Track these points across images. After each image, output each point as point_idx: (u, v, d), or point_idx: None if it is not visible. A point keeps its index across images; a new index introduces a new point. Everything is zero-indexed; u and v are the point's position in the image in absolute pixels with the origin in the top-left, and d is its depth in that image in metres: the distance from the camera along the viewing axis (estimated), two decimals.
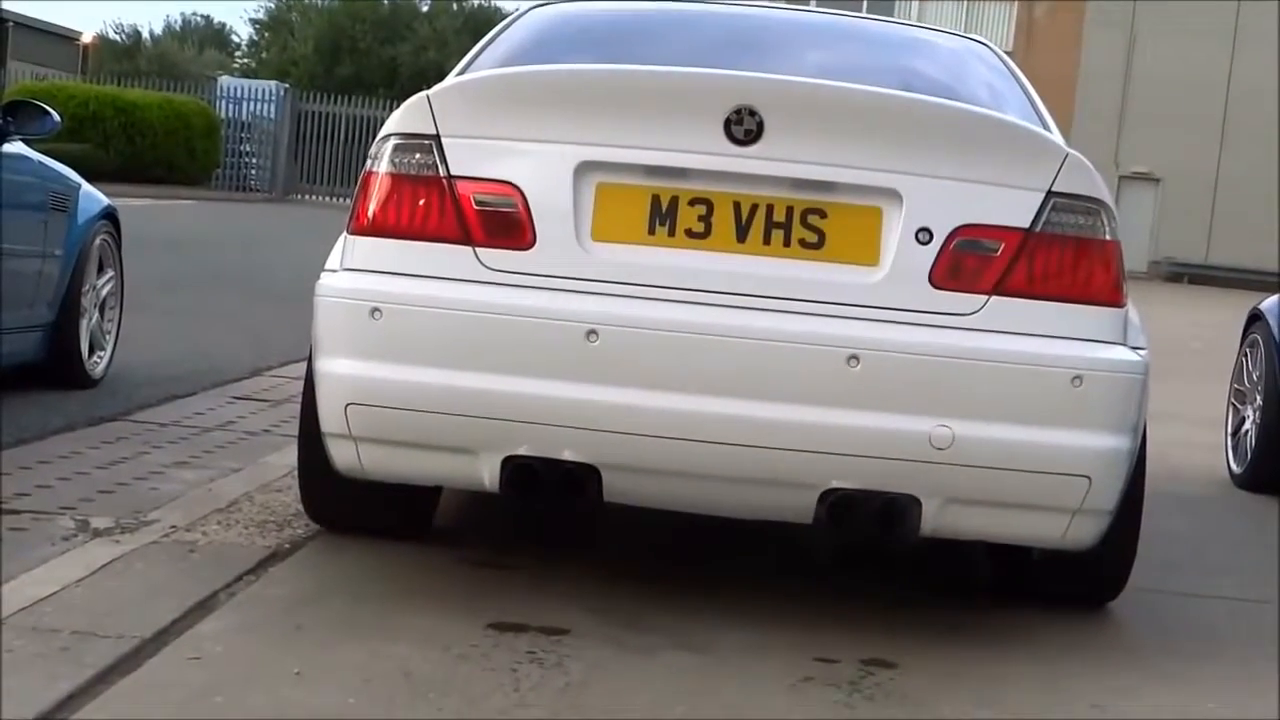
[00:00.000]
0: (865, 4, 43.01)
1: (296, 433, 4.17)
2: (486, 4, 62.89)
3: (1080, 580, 4.10)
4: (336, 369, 3.54)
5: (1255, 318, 7.06)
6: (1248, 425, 6.91)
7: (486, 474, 3.50)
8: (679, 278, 3.45)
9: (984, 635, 3.85)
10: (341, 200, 33.15)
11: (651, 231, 3.49)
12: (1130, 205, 40.32)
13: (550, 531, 4.66)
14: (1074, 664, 3.64)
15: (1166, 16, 41.07)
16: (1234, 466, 6.97)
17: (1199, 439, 7.82)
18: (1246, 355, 7.14)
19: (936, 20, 42.06)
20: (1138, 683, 3.56)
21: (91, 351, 6.56)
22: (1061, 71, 40.00)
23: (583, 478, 3.47)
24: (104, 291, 6.77)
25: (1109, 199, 3.59)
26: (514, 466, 3.47)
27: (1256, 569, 4.98)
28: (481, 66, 4.15)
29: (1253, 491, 6.66)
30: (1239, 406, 7.12)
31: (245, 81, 41.86)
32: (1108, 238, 3.55)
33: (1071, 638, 3.87)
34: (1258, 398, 6.83)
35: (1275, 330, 6.74)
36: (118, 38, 62.23)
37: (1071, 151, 3.57)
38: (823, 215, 3.49)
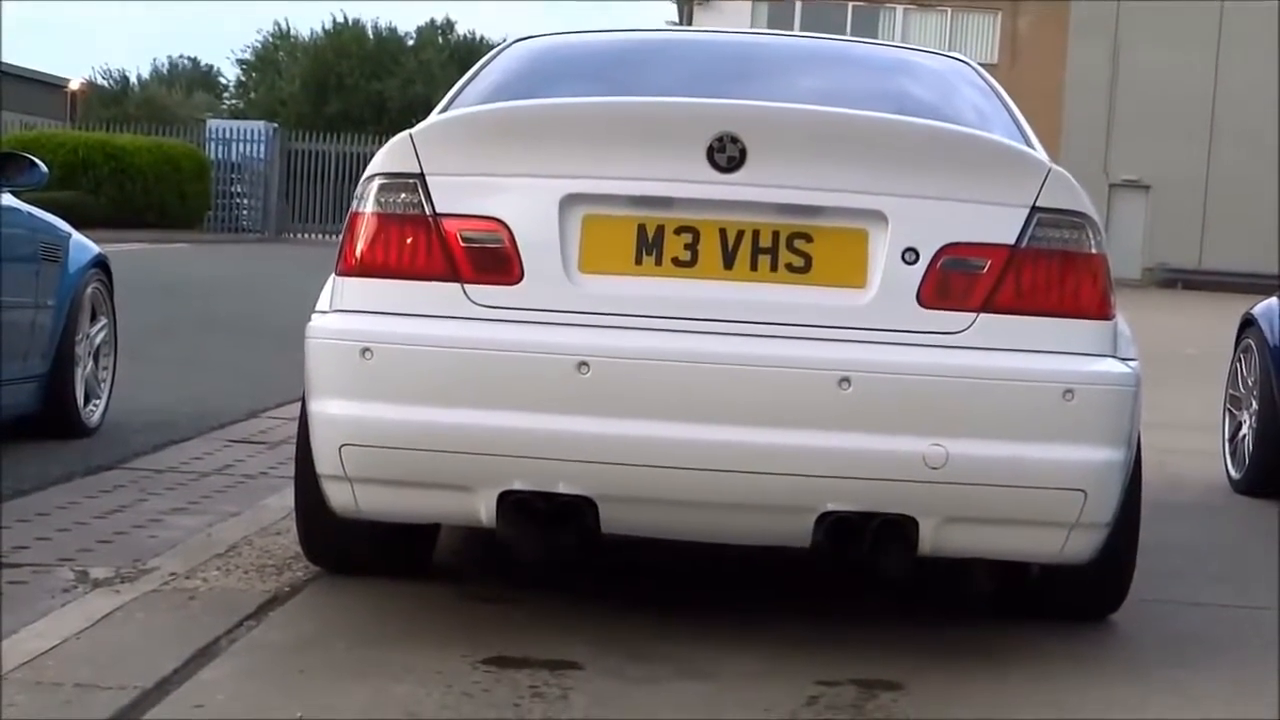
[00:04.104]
0: (850, 16, 43.14)
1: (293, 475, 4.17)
2: (472, 35, 63.05)
3: (1081, 594, 4.09)
4: (329, 410, 3.54)
5: (1248, 323, 7.06)
6: (1244, 430, 6.90)
7: (483, 510, 3.51)
8: (668, 307, 3.46)
9: (986, 652, 3.85)
10: (334, 238, 33.02)
11: (639, 261, 3.50)
12: (1122, 213, 40.38)
13: (550, 564, 4.65)
14: (1078, 678, 3.64)
15: (1150, 23, 41.19)
16: (1232, 472, 6.97)
17: (1197, 445, 7.82)
18: (1240, 360, 7.13)
19: (921, 33, 42.21)
20: (1142, 695, 3.56)
21: (86, 400, 6.56)
22: (1048, 82, 40.11)
23: (579, 509, 3.48)
24: (97, 340, 6.78)
25: (1093, 212, 3.60)
26: (510, 501, 3.48)
27: (1258, 575, 4.97)
28: (465, 102, 4.16)
29: (1251, 496, 6.65)
30: (1235, 412, 7.11)
31: (234, 123, 41.96)
32: (1094, 251, 3.55)
33: (1074, 651, 3.87)
34: (1253, 402, 6.82)
35: (1268, 334, 6.74)
36: (105, 83, 62.27)
37: (1054, 166, 3.58)
38: (808, 239, 3.49)
